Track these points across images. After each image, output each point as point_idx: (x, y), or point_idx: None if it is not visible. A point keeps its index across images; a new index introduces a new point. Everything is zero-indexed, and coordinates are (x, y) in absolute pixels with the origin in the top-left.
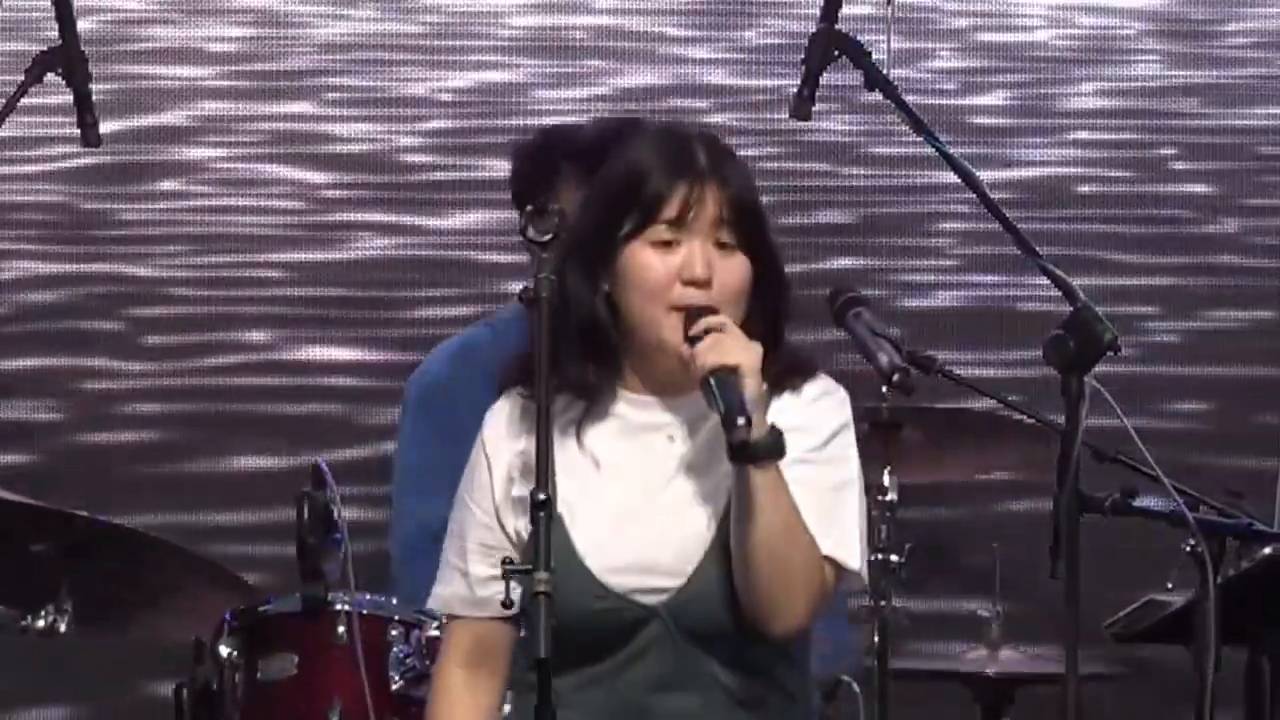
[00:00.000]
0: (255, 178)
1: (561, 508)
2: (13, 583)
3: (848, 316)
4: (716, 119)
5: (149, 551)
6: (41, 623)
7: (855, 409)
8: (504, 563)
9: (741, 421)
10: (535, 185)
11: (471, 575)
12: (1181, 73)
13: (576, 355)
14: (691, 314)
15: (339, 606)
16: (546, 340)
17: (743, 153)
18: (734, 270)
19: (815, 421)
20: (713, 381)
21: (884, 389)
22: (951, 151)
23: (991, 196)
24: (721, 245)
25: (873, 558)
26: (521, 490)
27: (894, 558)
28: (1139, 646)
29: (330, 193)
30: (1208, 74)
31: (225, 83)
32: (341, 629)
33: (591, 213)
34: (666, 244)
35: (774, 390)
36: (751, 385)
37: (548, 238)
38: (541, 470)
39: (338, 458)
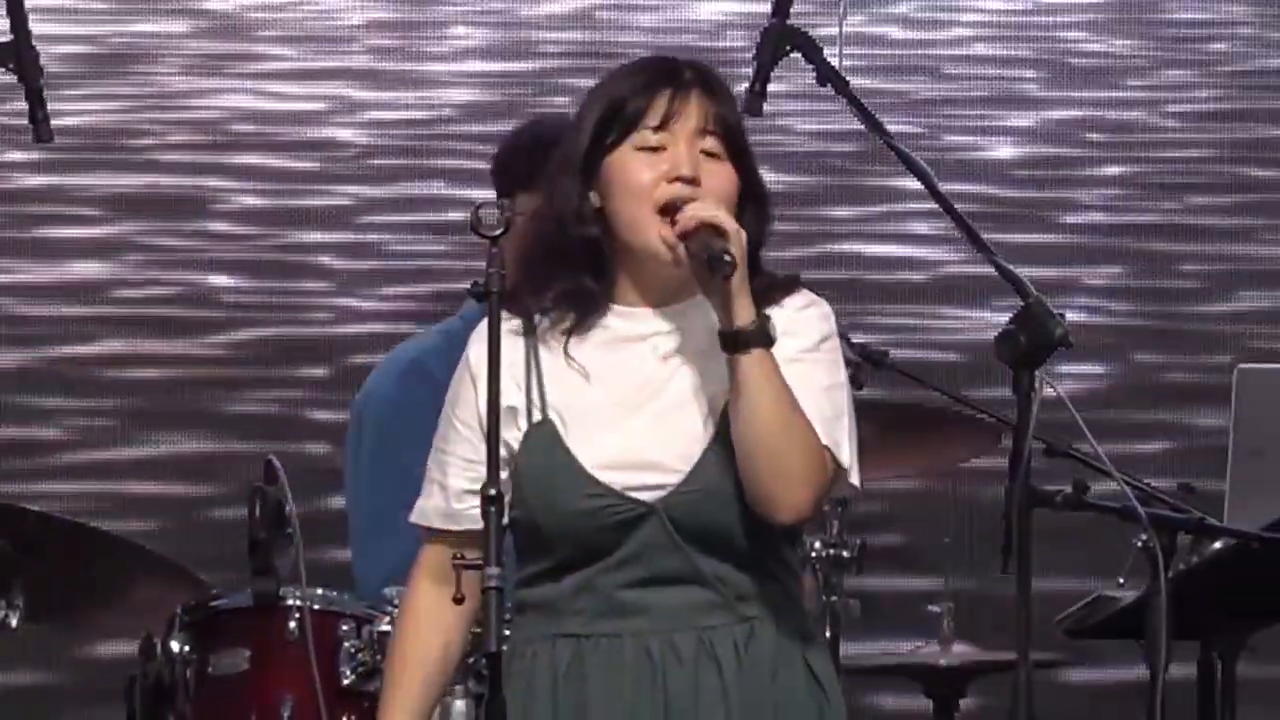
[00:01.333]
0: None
1: (551, 414)
2: None
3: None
4: None
5: (100, 547)
6: None
7: None
8: (454, 559)
9: (728, 258)
10: (523, 175)
11: (450, 488)
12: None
13: (570, 269)
14: (677, 207)
15: (290, 601)
16: (493, 328)
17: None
18: (721, 175)
19: (803, 328)
20: (696, 239)
21: None
22: (905, 148)
23: (943, 192)
24: (706, 153)
25: (824, 552)
26: (509, 400)
27: (845, 553)
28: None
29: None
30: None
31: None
32: (293, 624)
33: (577, 131)
34: (653, 150)
35: (758, 306)
36: (734, 248)
37: (498, 232)
38: (493, 464)
39: (289, 452)
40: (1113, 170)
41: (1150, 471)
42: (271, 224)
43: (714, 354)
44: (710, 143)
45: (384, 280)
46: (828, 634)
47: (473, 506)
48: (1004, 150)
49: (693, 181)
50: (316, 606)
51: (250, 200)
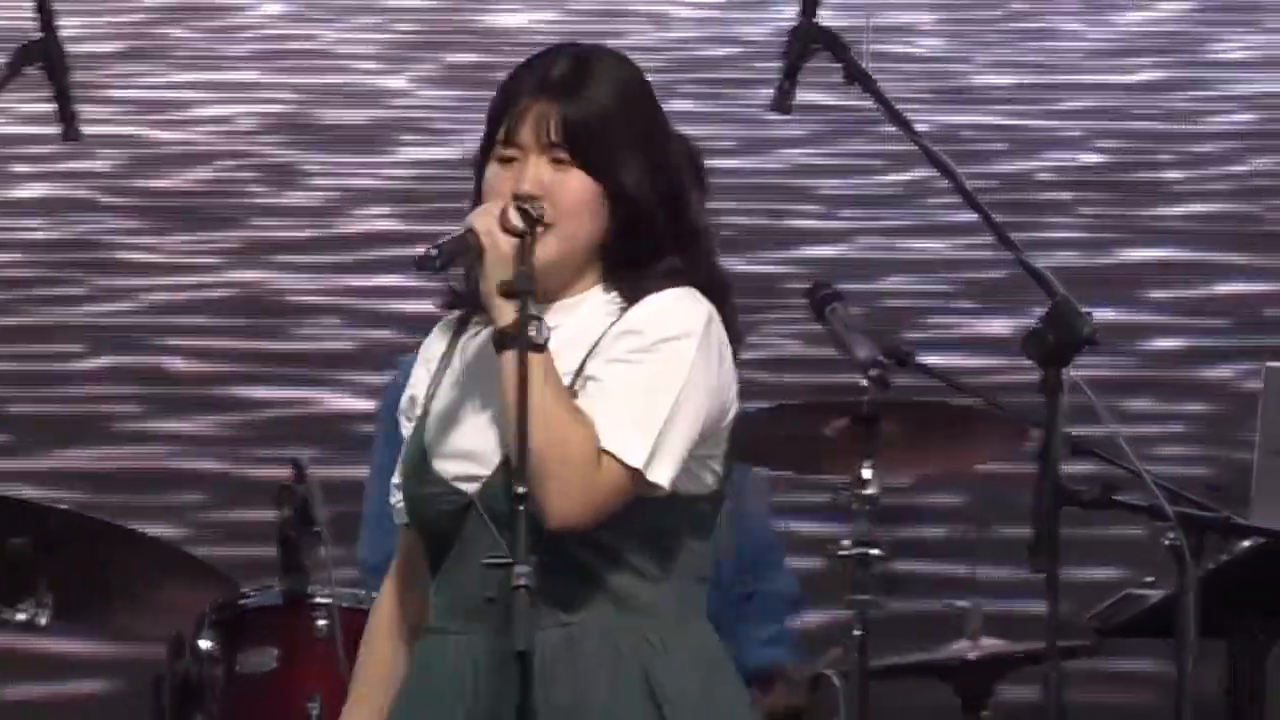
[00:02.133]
0: None
1: (433, 406)
2: None
3: (825, 311)
4: None
5: (127, 545)
6: (22, 615)
7: (834, 403)
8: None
9: (429, 252)
10: None
11: (393, 483)
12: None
13: (468, 272)
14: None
15: (319, 599)
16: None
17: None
18: (568, 186)
19: (646, 326)
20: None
21: (862, 383)
22: (932, 146)
23: (970, 190)
24: (557, 161)
25: (853, 552)
26: (417, 391)
27: (873, 551)
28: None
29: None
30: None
31: None
32: (322, 622)
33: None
34: (508, 160)
35: (629, 303)
36: (492, 261)
37: (526, 230)
38: (521, 460)
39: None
40: None
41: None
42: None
43: (580, 346)
44: (559, 152)
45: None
46: (855, 632)
47: (401, 500)
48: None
49: (532, 197)
50: (345, 604)
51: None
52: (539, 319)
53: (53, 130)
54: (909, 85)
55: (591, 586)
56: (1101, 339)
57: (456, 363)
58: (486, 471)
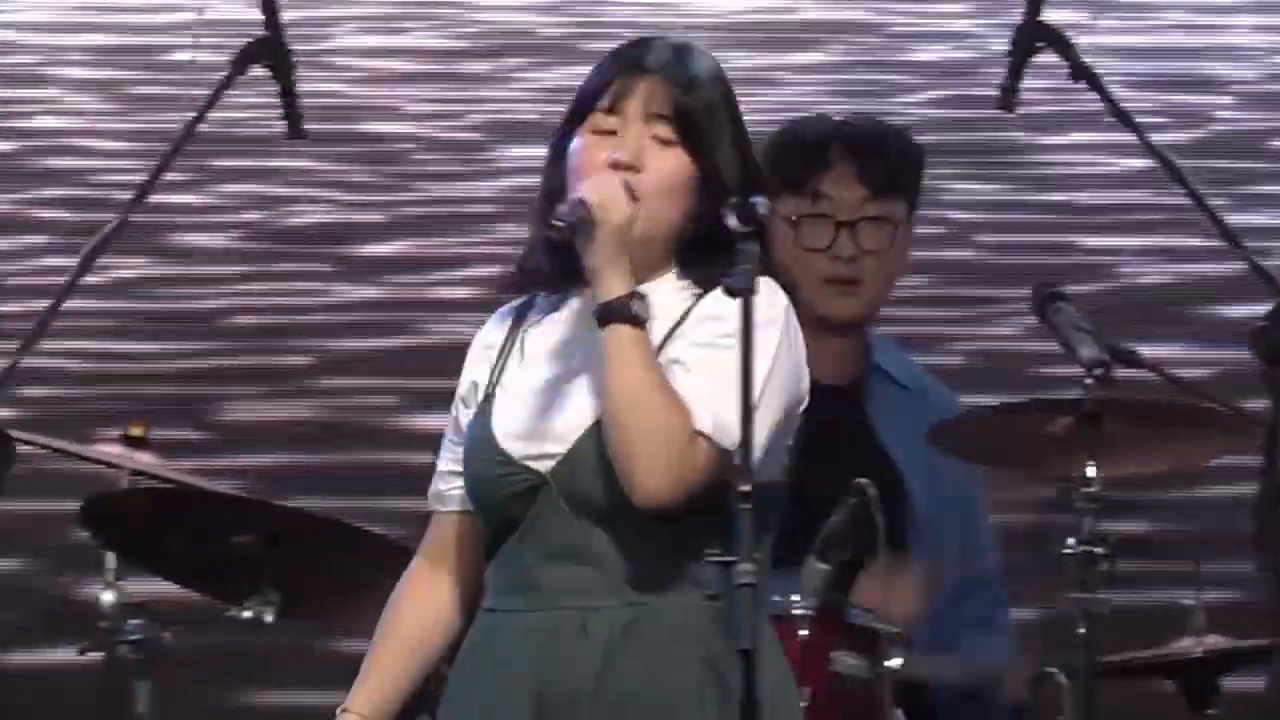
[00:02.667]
0: None
1: (498, 390)
2: (217, 573)
3: (1049, 310)
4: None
5: (351, 541)
6: (248, 613)
7: (1058, 403)
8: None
9: (556, 222)
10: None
11: (440, 469)
12: None
13: (546, 253)
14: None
15: None
16: (743, 334)
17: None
18: (666, 162)
19: (731, 313)
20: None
21: (1086, 382)
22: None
23: (1194, 186)
24: (659, 139)
25: (1077, 549)
26: (477, 377)
27: (1098, 550)
28: None
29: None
30: None
31: None
32: None
33: (563, 119)
34: (607, 133)
35: (704, 290)
36: (605, 234)
37: (749, 228)
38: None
39: None
40: None
41: None
42: None
43: (658, 332)
44: (662, 129)
45: None
46: (1081, 630)
47: (454, 487)
48: None
49: (630, 167)
50: None
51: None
52: (642, 296)
53: None
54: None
55: (666, 568)
56: None
57: (525, 347)
58: (558, 449)
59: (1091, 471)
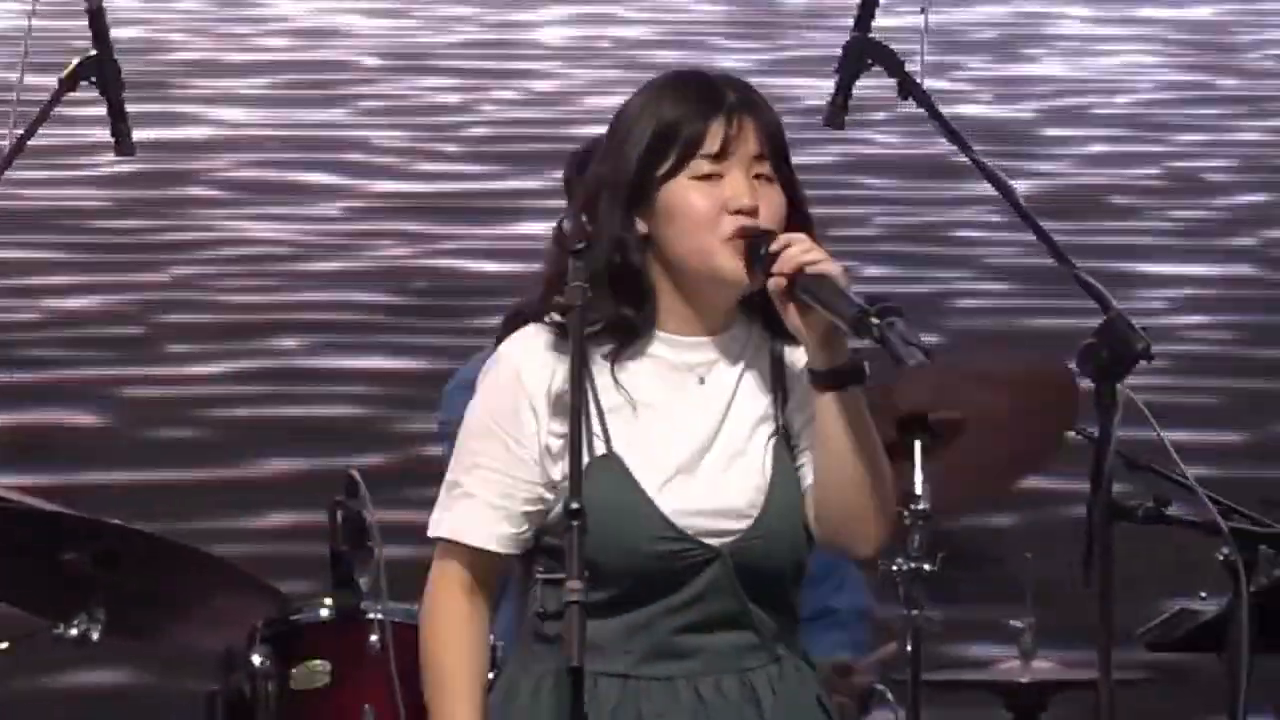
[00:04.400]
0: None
1: (617, 447)
2: (45, 591)
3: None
4: None
5: (179, 559)
6: (74, 631)
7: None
8: (535, 570)
9: (875, 320)
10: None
11: (507, 509)
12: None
13: (612, 298)
14: (754, 237)
15: (371, 615)
16: (576, 344)
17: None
18: (775, 200)
19: None
20: (813, 287)
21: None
22: (986, 161)
23: (1025, 206)
24: (759, 177)
25: (905, 566)
26: (558, 428)
27: (926, 566)
28: (1172, 655)
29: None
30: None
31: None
32: (374, 638)
33: (622, 157)
34: (707, 177)
35: (776, 334)
36: (842, 294)
37: (579, 246)
38: (576, 479)
39: (369, 464)
40: None
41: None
42: None
43: (758, 384)
44: (765, 169)
45: None
46: (908, 648)
47: (520, 530)
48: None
49: (753, 213)
50: (397, 619)
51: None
52: (859, 352)
53: None
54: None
55: (790, 619)
56: None
57: (627, 397)
58: (739, 525)
59: (920, 487)
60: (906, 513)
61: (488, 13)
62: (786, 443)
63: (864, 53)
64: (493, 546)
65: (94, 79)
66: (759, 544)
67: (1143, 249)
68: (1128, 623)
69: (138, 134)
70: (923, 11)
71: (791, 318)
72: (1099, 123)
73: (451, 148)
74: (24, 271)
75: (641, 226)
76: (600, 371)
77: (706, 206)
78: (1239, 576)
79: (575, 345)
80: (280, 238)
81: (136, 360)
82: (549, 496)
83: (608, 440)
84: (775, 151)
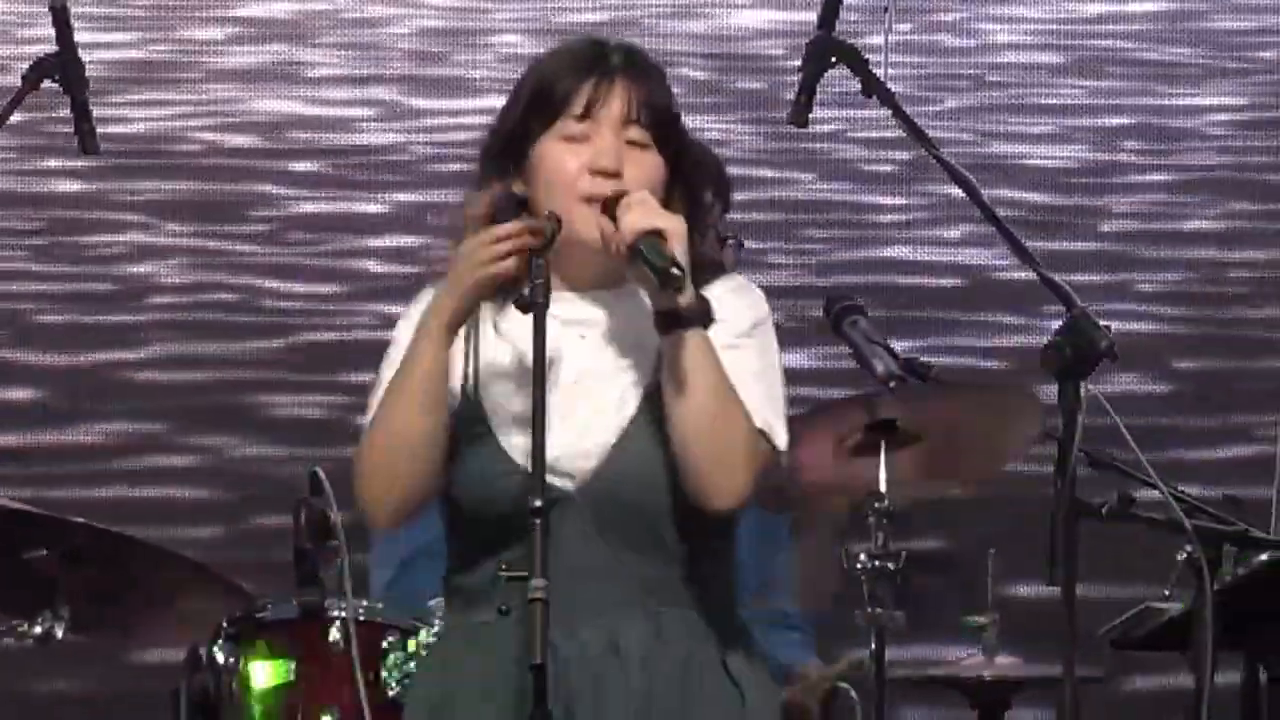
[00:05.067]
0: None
1: (482, 395)
2: (9, 589)
3: (844, 324)
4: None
5: (144, 557)
6: (38, 629)
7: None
8: (499, 567)
9: (676, 271)
10: None
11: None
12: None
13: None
14: (607, 203)
15: (335, 613)
16: (537, 339)
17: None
18: (645, 165)
19: (734, 313)
20: (642, 246)
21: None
22: (950, 160)
23: (989, 203)
24: (632, 143)
25: (869, 563)
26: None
27: (890, 564)
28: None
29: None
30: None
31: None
32: (337, 635)
33: (505, 116)
34: (575, 139)
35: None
36: (679, 249)
37: (541, 246)
38: (539, 475)
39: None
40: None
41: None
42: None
43: (639, 341)
44: (635, 132)
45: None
46: (873, 645)
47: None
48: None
49: (614, 175)
50: (361, 617)
51: (302, 207)
52: (706, 299)
53: None
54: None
55: (684, 575)
56: None
57: (506, 350)
58: (585, 465)
59: (884, 485)
60: (870, 511)
61: None
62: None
63: (828, 51)
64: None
65: (57, 77)
66: (607, 484)
67: None
68: (1091, 621)
69: None
70: (886, 10)
71: (633, 269)
72: None
73: None
74: None
75: (518, 188)
76: (485, 321)
77: (570, 165)
78: (1203, 574)
79: (536, 346)
80: None
81: None
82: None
83: (476, 384)
84: (651, 117)
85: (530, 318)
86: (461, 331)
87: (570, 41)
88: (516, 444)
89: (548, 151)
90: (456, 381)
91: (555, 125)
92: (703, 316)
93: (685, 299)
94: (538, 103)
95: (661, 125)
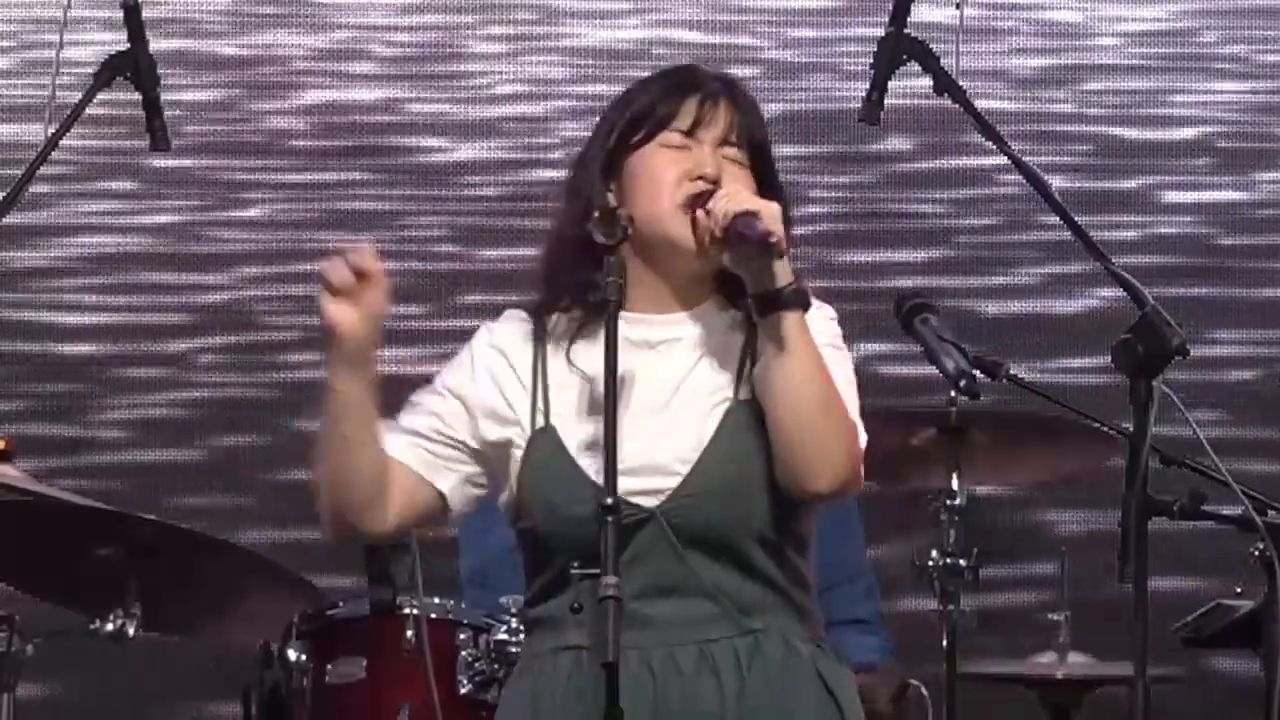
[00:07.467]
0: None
1: (555, 420)
2: (81, 587)
3: (915, 322)
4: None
5: (215, 555)
6: (110, 626)
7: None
8: (572, 566)
9: (774, 239)
10: None
11: (414, 438)
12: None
13: (581, 268)
14: (699, 199)
15: (407, 610)
16: (612, 331)
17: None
18: (741, 179)
19: (815, 327)
20: (738, 223)
21: (951, 394)
22: (1022, 157)
23: (1061, 202)
24: (732, 160)
25: (941, 561)
26: (515, 400)
27: (962, 561)
28: (1208, 651)
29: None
30: None
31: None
32: (410, 633)
33: (602, 134)
34: (677, 149)
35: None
36: (776, 228)
37: (614, 240)
38: (611, 474)
39: None
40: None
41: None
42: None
43: (717, 360)
44: (733, 153)
45: None
46: (944, 643)
47: (407, 444)
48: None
49: (715, 182)
50: (433, 615)
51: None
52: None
53: None
54: None
55: (772, 591)
56: None
57: (580, 371)
58: (667, 484)
59: (955, 483)
60: (942, 509)
61: None
62: (749, 413)
63: (899, 49)
64: (398, 455)
65: (129, 75)
66: (691, 501)
67: None
68: (1163, 618)
69: None
70: (958, 7)
71: (730, 254)
72: None
73: None
74: None
75: (612, 199)
76: (556, 350)
77: (670, 171)
78: (1274, 571)
79: (609, 341)
80: None
81: None
82: (472, 445)
83: (547, 414)
84: (749, 140)
85: (599, 343)
86: (526, 367)
87: (660, 71)
88: (601, 474)
89: (648, 158)
90: (525, 417)
91: (658, 137)
92: (801, 298)
93: (784, 276)
94: (641, 118)
95: (756, 151)
